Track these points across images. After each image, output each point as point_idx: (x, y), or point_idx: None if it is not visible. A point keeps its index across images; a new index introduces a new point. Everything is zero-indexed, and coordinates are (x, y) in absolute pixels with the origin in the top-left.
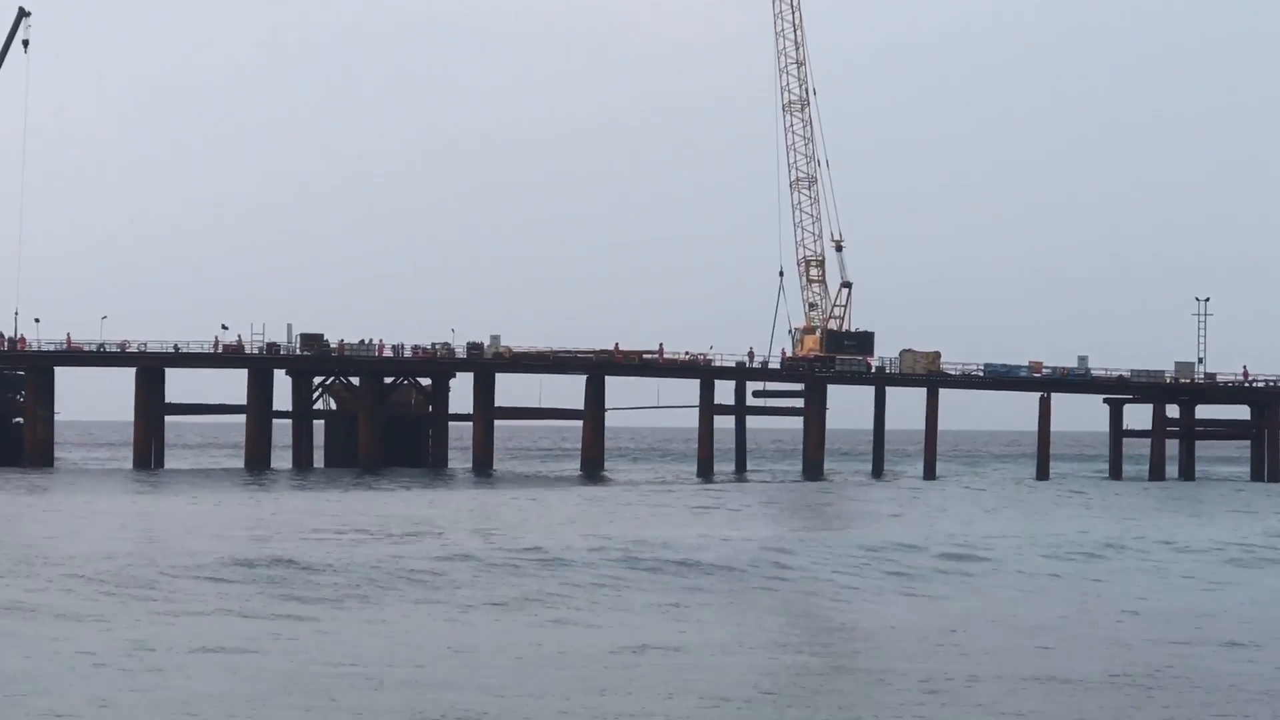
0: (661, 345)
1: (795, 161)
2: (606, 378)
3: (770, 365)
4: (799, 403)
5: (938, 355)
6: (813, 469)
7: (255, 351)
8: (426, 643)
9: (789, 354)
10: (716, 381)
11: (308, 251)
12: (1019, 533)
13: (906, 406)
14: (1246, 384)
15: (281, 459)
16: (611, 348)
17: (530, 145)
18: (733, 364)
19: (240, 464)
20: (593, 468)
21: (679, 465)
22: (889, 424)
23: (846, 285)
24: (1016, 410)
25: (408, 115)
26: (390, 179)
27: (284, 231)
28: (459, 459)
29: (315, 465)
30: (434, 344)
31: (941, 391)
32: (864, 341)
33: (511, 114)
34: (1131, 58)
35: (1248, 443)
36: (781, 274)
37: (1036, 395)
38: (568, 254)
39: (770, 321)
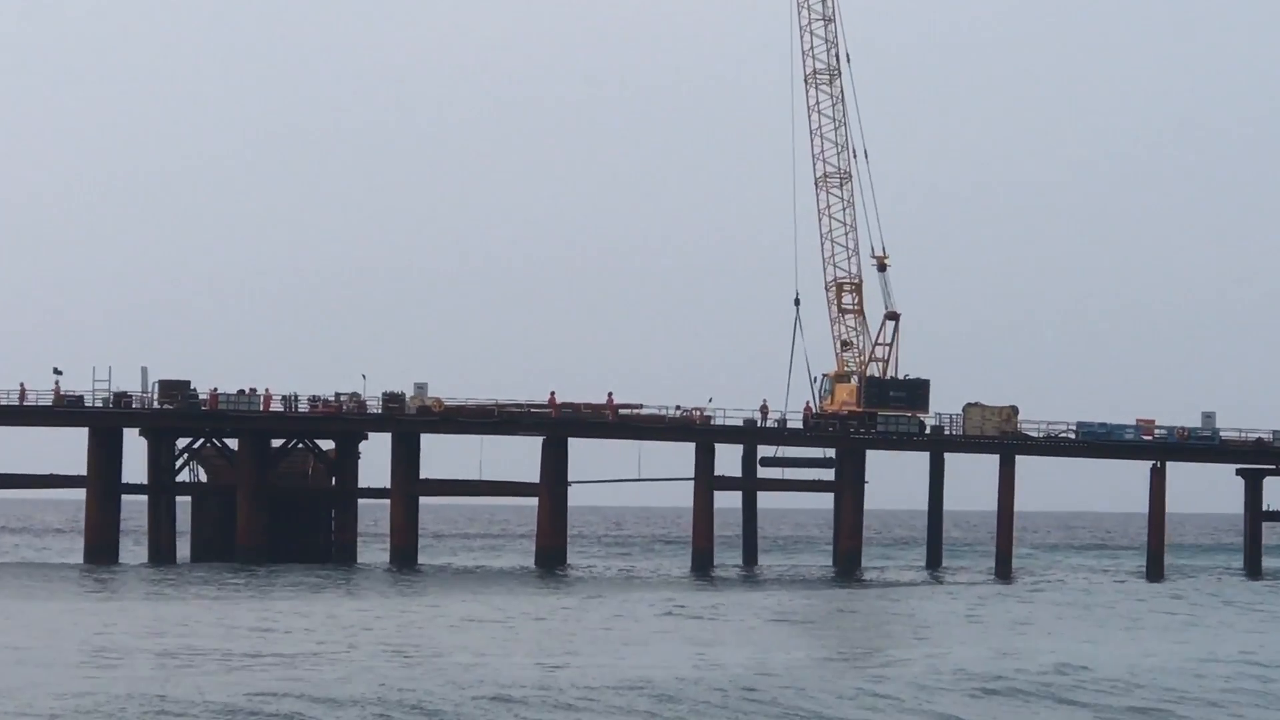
0: (611, 396)
1: (822, 152)
2: (570, 440)
3: (789, 424)
4: (828, 474)
5: (1014, 411)
6: (847, 563)
7: (98, 404)
8: None
9: (814, 409)
10: (717, 446)
11: (169, 274)
12: (1149, 659)
13: (971, 480)
14: None
15: (134, 549)
16: (573, 401)
17: (465, 127)
18: (739, 422)
19: (79, 555)
20: (552, 561)
21: (667, 558)
22: (948, 503)
23: (892, 317)
24: (1118, 485)
25: (309, 97)
26: (276, 171)
27: (136, 247)
28: (373, 549)
29: (179, 557)
30: (338, 395)
31: (1019, 460)
32: (915, 392)
33: (432, 97)
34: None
35: None
36: (798, 302)
37: (1147, 465)
38: (511, 275)
39: (785, 366)
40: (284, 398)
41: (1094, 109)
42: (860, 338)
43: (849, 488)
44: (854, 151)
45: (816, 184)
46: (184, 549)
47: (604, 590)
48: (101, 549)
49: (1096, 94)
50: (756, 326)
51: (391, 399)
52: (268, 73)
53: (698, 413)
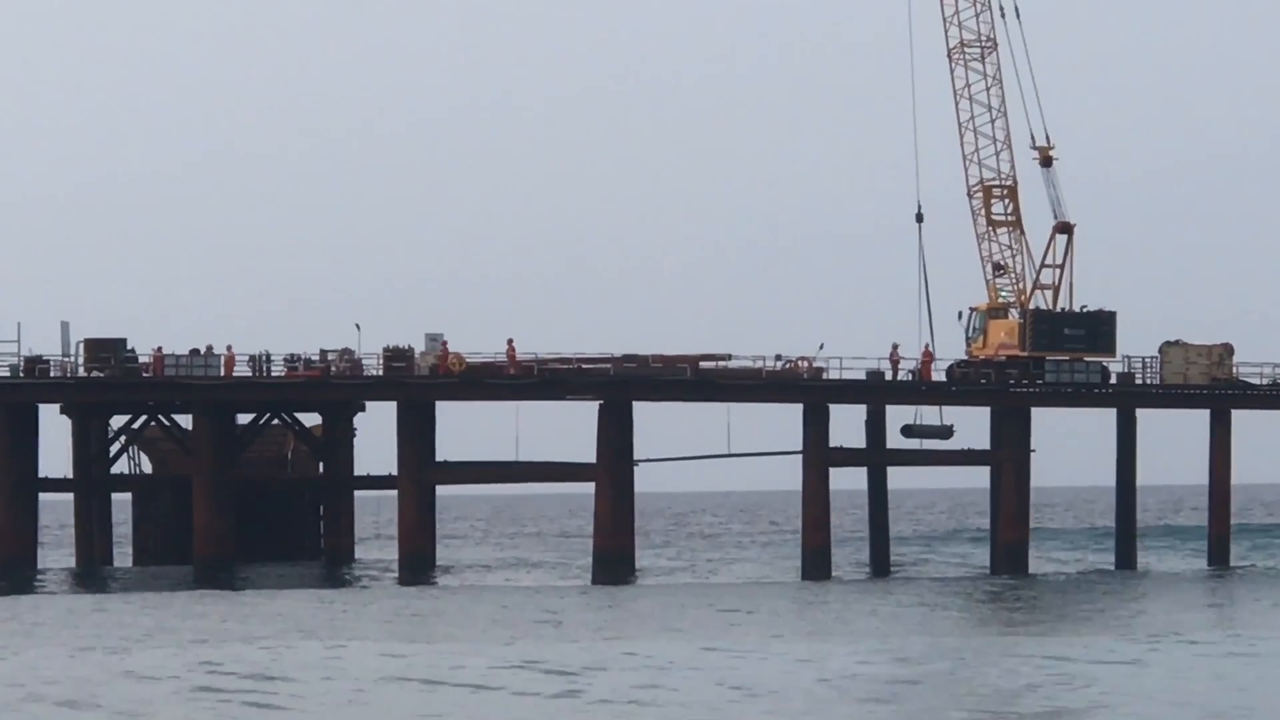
0: (511, 344)
1: (956, 12)
2: (635, 404)
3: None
4: (979, 441)
5: (1228, 351)
6: (1010, 559)
7: (4, 373)
8: None
9: (963, 355)
10: (832, 407)
11: (95, 204)
12: None
13: (1169, 444)
14: None
15: (58, 555)
16: (637, 353)
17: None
18: (861, 375)
19: None
20: (614, 566)
21: (767, 561)
22: (1142, 476)
23: (1064, 229)
24: None
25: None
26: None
27: (52, 170)
28: (375, 551)
29: (117, 566)
30: (325, 352)
31: (1236, 415)
32: (1097, 329)
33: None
34: None
35: None
36: (920, 218)
37: None
38: (550, 191)
39: (916, 300)
40: (252, 358)
41: None
42: (1018, 259)
43: (1012, 460)
44: (1000, 10)
45: (950, 56)
46: (122, 558)
47: (684, 607)
48: (14, 561)
49: None
50: (879, 250)
51: (396, 356)
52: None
53: (805, 364)
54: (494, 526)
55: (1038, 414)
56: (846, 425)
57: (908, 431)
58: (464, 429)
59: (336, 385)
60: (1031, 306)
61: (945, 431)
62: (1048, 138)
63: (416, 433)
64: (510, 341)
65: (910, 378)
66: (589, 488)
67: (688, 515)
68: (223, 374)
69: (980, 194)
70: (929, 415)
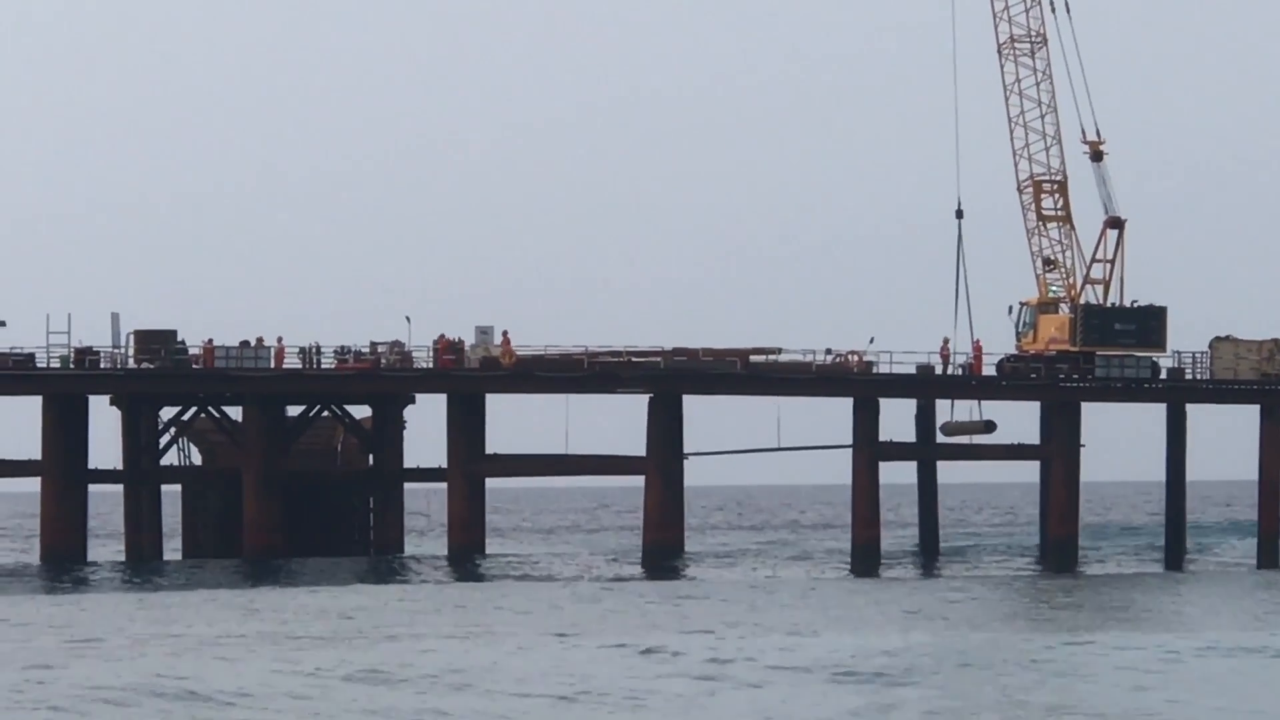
0: (506, 336)
1: (1006, 8)
2: (685, 397)
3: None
4: (1029, 435)
5: (1278, 346)
6: (1060, 555)
7: (54, 364)
8: None
9: (1013, 350)
10: (882, 401)
11: (144, 192)
12: None
13: (1218, 439)
14: None
15: (108, 547)
16: (686, 346)
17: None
18: (911, 369)
19: (35, 558)
20: (663, 557)
21: (817, 555)
22: (1192, 471)
23: (1114, 224)
24: None
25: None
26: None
27: (101, 158)
28: (424, 544)
29: (166, 559)
30: (375, 345)
31: None
32: (1148, 324)
33: None
34: None
35: None
36: (960, 214)
37: None
38: (597, 181)
39: (962, 295)
40: (303, 350)
41: None
42: (1069, 254)
43: (1062, 454)
44: (1050, 4)
45: (1000, 52)
46: (172, 550)
47: (735, 605)
48: (63, 551)
49: None
50: (931, 244)
51: (446, 349)
52: None
53: (855, 358)
54: (528, 519)
55: (1088, 409)
56: (897, 419)
57: (946, 429)
58: (514, 422)
59: (387, 377)
60: (1082, 301)
61: (990, 426)
62: (1098, 132)
63: (467, 425)
64: (505, 333)
65: (961, 372)
66: (623, 481)
67: (737, 508)
68: (273, 366)
69: (1030, 189)
70: (965, 412)
